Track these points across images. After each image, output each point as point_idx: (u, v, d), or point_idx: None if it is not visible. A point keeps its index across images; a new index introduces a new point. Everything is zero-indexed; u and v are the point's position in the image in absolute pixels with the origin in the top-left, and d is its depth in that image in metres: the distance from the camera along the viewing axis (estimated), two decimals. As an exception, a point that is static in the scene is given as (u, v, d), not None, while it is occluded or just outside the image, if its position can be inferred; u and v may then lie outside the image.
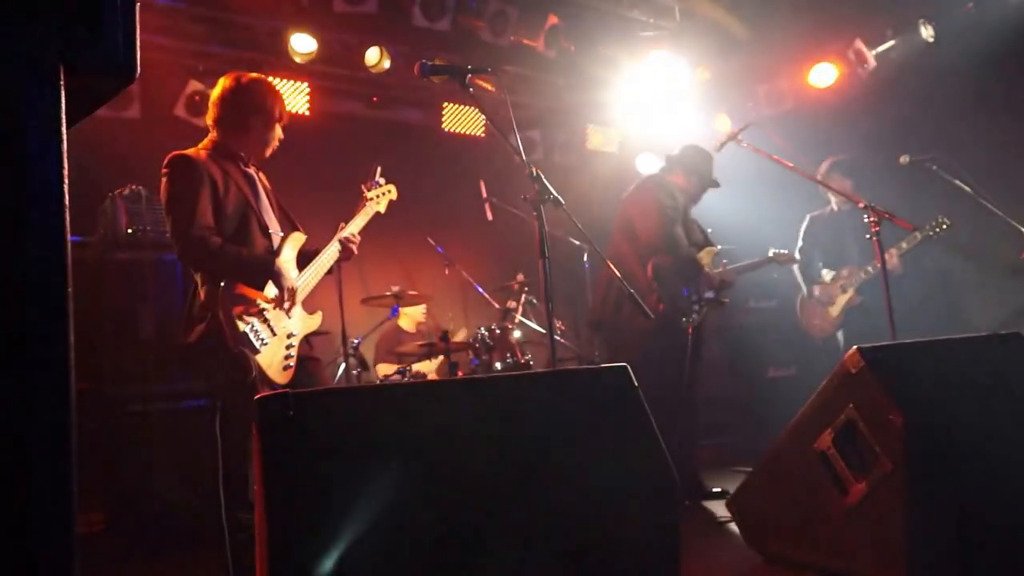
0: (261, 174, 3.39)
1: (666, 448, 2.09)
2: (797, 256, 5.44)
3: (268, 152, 3.36)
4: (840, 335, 5.28)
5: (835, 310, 5.23)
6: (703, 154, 4.77)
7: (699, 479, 4.52)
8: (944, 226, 4.82)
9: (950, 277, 5.93)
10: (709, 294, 4.56)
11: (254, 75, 3.32)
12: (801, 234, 5.46)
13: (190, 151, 3.17)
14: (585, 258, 6.26)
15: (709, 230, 4.86)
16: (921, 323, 4.82)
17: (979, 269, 5.84)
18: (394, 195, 3.67)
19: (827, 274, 5.34)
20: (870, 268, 5.04)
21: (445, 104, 6.54)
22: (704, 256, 4.66)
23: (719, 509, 4.05)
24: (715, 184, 4.78)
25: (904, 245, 4.94)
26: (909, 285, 5.24)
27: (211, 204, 3.07)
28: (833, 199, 5.32)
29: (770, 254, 4.86)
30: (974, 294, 5.88)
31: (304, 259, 3.34)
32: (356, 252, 3.43)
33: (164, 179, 3.10)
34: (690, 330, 4.46)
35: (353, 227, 3.47)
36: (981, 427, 2.69)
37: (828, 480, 2.76)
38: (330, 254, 3.37)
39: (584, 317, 4.87)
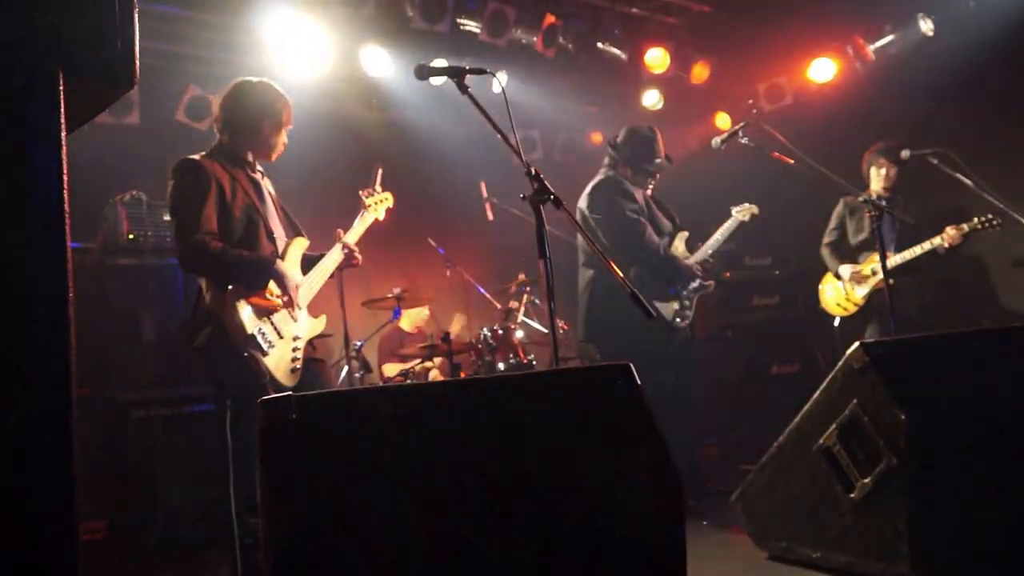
0: (266, 180, 3.40)
1: (670, 447, 2.08)
2: (826, 238, 5.38)
3: (274, 157, 3.37)
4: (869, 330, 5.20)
5: (862, 291, 5.18)
6: (638, 139, 4.56)
7: (703, 478, 4.50)
8: (996, 224, 4.70)
9: (975, 270, 5.91)
10: (693, 284, 4.51)
11: (262, 80, 3.33)
12: (833, 216, 5.41)
13: (198, 155, 3.17)
14: (586, 257, 6.25)
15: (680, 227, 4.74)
16: (947, 317, 4.80)
17: (982, 263, 5.83)
18: (391, 203, 3.69)
19: (862, 259, 5.28)
20: (907, 254, 4.95)
21: (444, 105, 6.54)
22: (678, 244, 4.58)
23: (724, 507, 4.04)
24: (662, 165, 4.57)
25: (966, 227, 4.83)
26: (937, 275, 5.22)
27: (217, 209, 3.08)
28: (872, 185, 5.27)
29: (733, 213, 4.68)
30: (981, 289, 5.87)
31: (306, 264, 3.35)
32: (360, 261, 3.46)
33: (171, 183, 3.11)
34: (685, 325, 4.44)
35: (352, 235, 3.48)
36: (986, 421, 2.69)
37: (833, 476, 2.76)
38: (333, 259, 3.38)
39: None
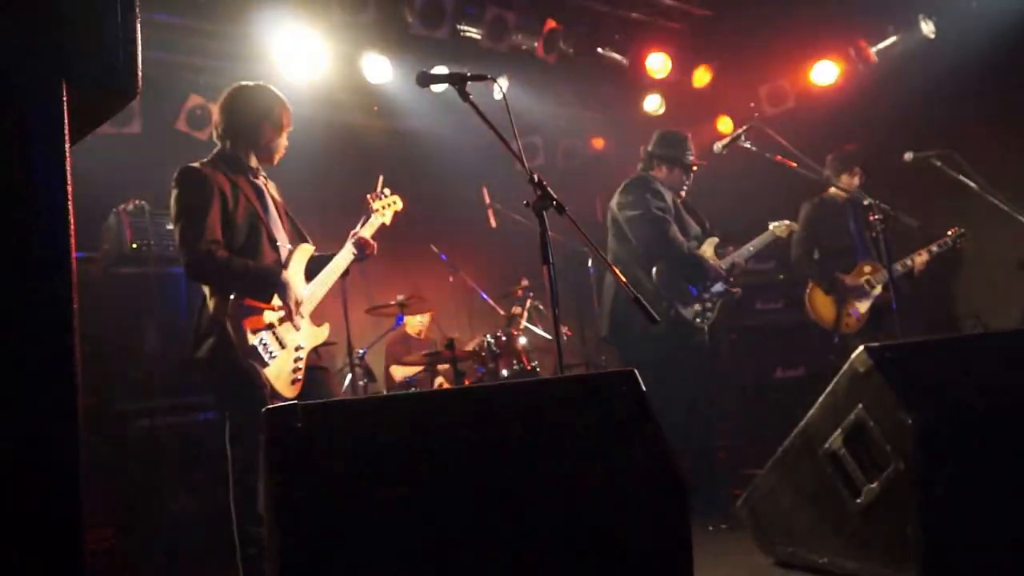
0: (270, 184, 3.38)
1: (681, 455, 2.07)
2: (798, 248, 5.31)
3: (276, 159, 3.35)
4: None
5: (864, 306, 5.12)
6: (674, 139, 4.59)
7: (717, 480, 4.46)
8: (961, 236, 4.89)
9: (965, 275, 5.89)
10: (718, 287, 4.46)
11: (259, 83, 3.33)
12: (799, 224, 5.26)
13: (199, 163, 3.17)
14: (590, 263, 6.25)
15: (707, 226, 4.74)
16: (941, 321, 4.79)
17: (987, 266, 5.82)
18: (399, 206, 3.66)
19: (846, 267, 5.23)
20: (898, 267, 4.88)
21: (445, 112, 6.55)
22: (706, 248, 4.54)
23: (729, 512, 4.03)
24: (692, 167, 4.58)
25: (935, 249, 4.94)
26: (928, 283, 5.20)
27: (220, 217, 3.07)
28: (836, 190, 5.23)
29: (770, 227, 4.68)
30: (985, 292, 5.85)
31: (315, 266, 3.34)
32: (375, 250, 3.43)
33: (173, 192, 3.10)
34: (706, 329, 4.40)
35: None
36: (992, 424, 2.67)
37: (839, 481, 2.75)
38: (344, 258, 3.36)
39: (590, 323, 4.81)
